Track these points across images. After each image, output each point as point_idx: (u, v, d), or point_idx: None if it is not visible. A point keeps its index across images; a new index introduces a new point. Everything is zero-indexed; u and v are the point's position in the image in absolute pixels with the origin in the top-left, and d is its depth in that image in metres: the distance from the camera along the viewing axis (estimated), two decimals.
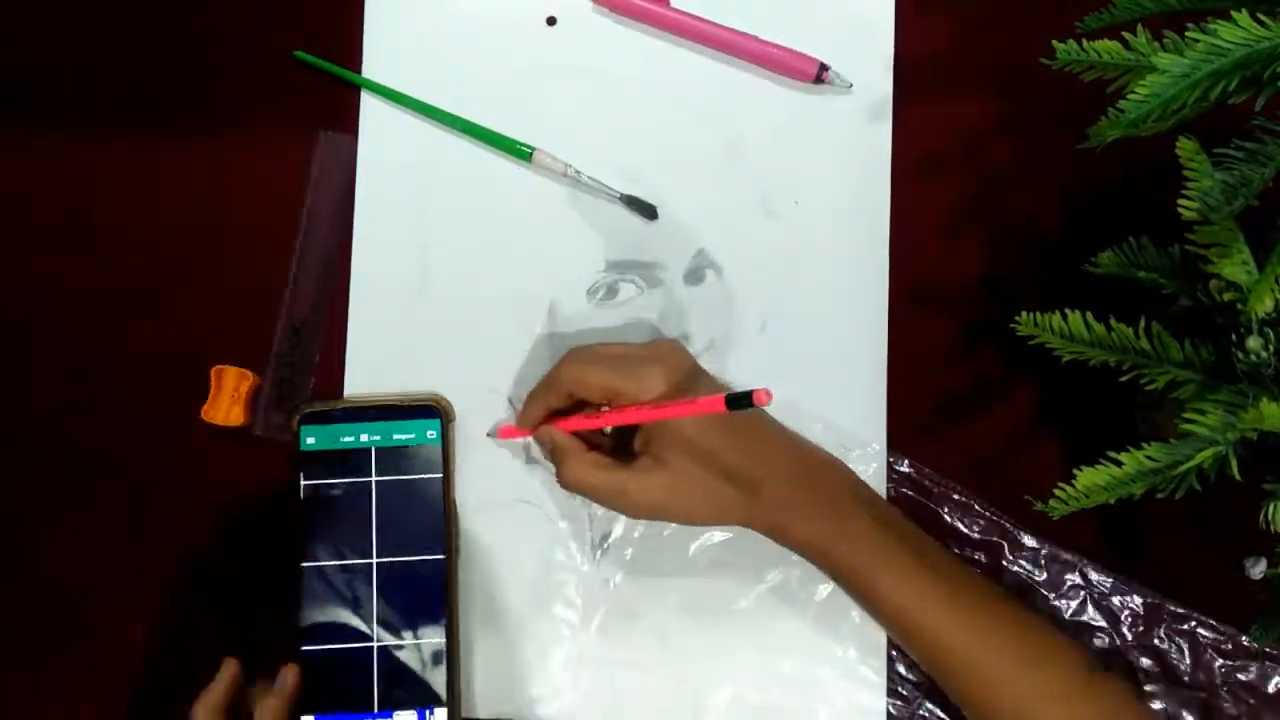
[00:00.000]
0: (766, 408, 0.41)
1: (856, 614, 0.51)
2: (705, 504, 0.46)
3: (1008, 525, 0.51)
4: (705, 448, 0.45)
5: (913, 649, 0.46)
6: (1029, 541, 0.51)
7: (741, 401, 0.41)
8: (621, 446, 0.49)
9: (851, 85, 0.52)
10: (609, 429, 0.50)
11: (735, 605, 0.51)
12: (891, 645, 0.51)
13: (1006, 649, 0.44)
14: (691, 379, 0.46)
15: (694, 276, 0.53)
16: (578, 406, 0.48)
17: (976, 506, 0.51)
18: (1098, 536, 0.52)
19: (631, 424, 0.46)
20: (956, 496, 0.52)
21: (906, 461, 0.52)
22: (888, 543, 0.45)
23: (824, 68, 0.52)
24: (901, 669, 0.51)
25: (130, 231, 0.53)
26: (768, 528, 0.46)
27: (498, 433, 0.52)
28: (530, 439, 0.51)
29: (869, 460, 0.52)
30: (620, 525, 0.52)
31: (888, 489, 0.52)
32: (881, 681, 0.51)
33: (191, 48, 0.55)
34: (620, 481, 0.46)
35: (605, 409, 0.47)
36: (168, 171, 0.54)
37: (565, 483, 0.47)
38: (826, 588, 0.51)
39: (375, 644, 0.49)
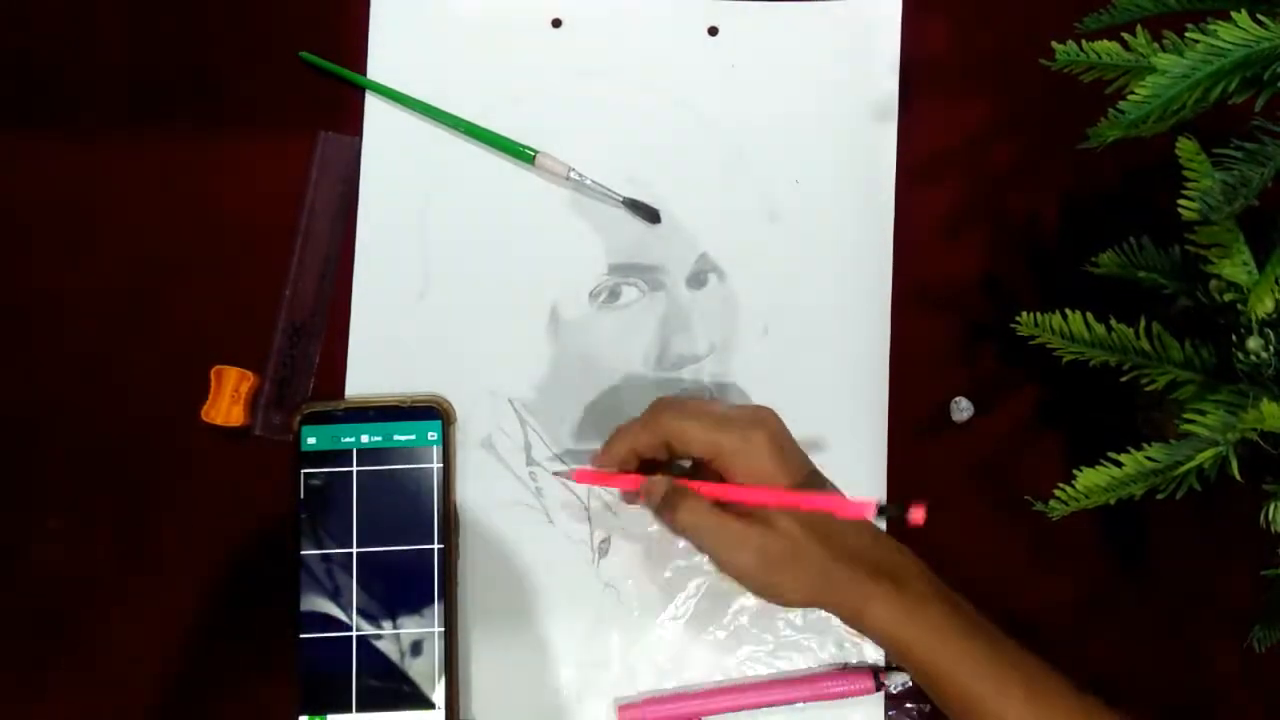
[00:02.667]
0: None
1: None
2: (805, 585, 0.44)
3: None
4: (822, 533, 0.44)
5: None
6: None
7: (892, 513, 0.40)
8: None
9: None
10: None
11: (735, 609, 0.51)
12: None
13: None
14: (790, 447, 0.45)
15: (696, 280, 0.53)
16: (657, 463, 0.47)
17: None
18: (1098, 537, 0.52)
19: (765, 504, 0.44)
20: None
21: None
22: (963, 632, 0.44)
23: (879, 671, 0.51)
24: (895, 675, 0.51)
25: (130, 231, 0.53)
26: (845, 612, 0.45)
27: (573, 476, 0.50)
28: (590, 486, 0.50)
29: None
30: (619, 529, 0.52)
31: None
32: (880, 695, 0.51)
33: (195, 48, 0.55)
34: (739, 533, 0.44)
35: (688, 466, 0.45)
36: (169, 171, 0.54)
37: (680, 525, 0.45)
38: None
39: (373, 644, 0.49)
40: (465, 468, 0.52)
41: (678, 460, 0.48)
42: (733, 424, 0.45)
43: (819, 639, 0.51)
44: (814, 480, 0.46)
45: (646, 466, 0.48)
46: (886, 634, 0.44)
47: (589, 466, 0.50)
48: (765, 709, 0.50)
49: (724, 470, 0.45)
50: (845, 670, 0.51)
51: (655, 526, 0.52)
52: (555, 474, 0.52)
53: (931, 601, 0.44)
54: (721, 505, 0.45)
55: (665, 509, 0.45)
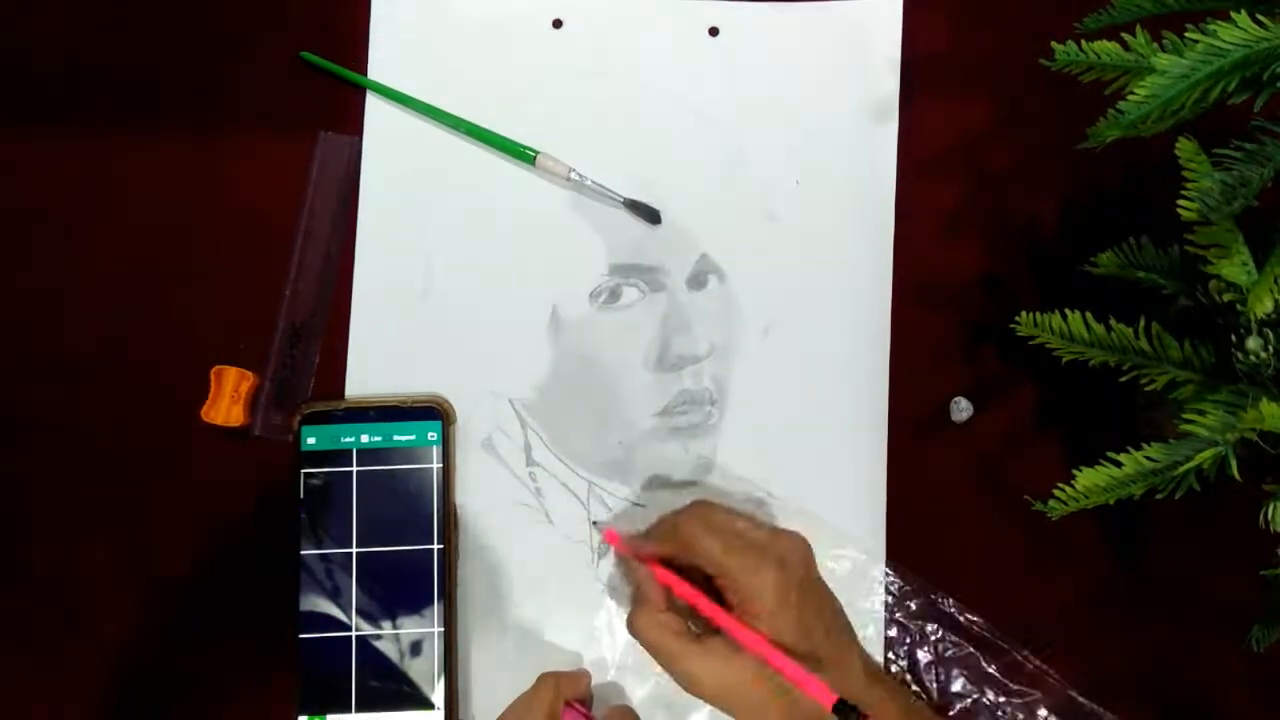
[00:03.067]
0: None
1: (862, 632, 0.50)
2: (765, 710, 0.43)
3: (1052, 680, 0.51)
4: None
5: None
6: None
7: (847, 713, 0.40)
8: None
9: None
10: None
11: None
12: (888, 647, 0.51)
13: None
14: (804, 596, 0.44)
15: (697, 281, 0.53)
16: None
17: (1018, 657, 0.51)
18: (1097, 537, 0.52)
19: (730, 636, 0.43)
20: (1000, 644, 0.51)
21: (950, 600, 0.51)
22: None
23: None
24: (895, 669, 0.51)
25: (130, 231, 0.53)
26: None
27: (605, 535, 0.51)
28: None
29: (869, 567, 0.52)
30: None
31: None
32: None
33: (196, 48, 0.55)
34: (685, 655, 0.43)
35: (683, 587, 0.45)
36: (169, 171, 0.54)
37: (634, 630, 0.45)
38: None
39: (372, 644, 0.49)
40: (465, 468, 0.52)
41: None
42: (749, 552, 0.44)
43: None
44: (820, 641, 0.44)
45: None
46: None
47: (622, 533, 0.49)
48: None
49: (723, 592, 0.45)
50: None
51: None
52: (594, 522, 0.52)
53: (871, 688, 0.44)
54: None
55: (633, 603, 0.46)
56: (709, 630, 0.45)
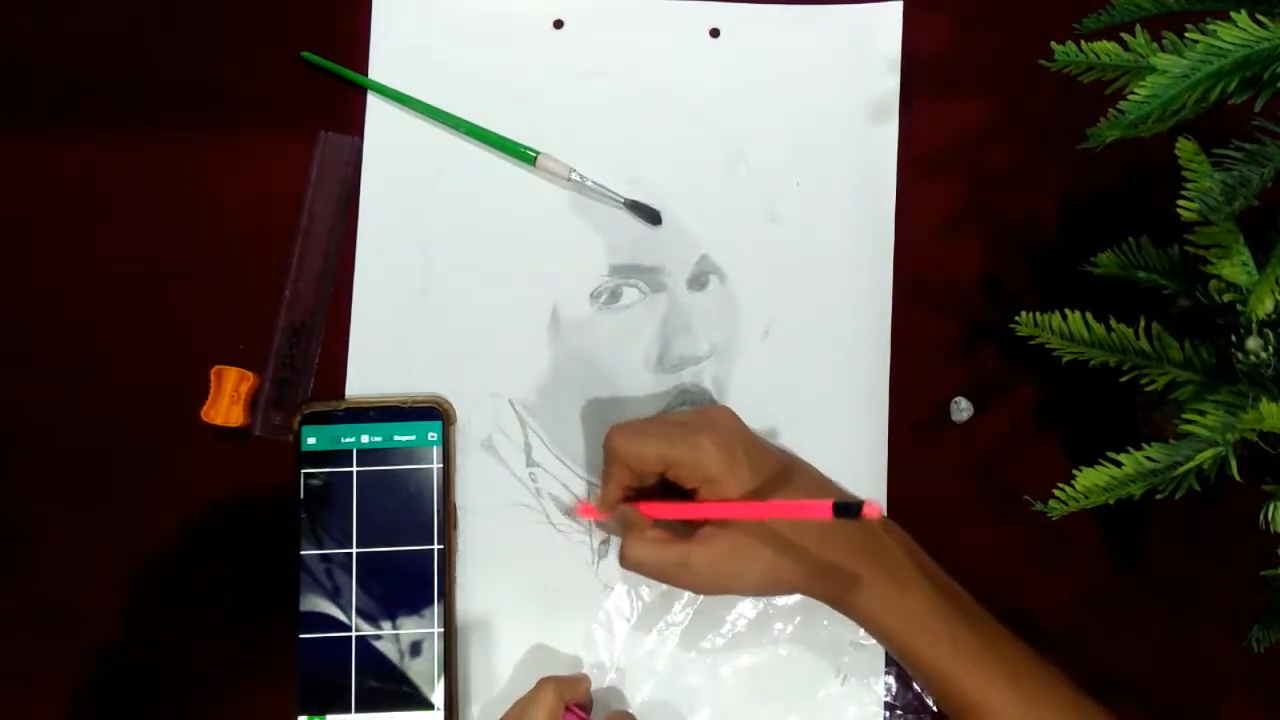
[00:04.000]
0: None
1: (857, 635, 0.51)
2: (769, 574, 0.44)
3: None
4: (797, 523, 0.44)
5: None
6: None
7: (850, 512, 0.39)
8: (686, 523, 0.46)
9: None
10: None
11: (733, 616, 0.51)
12: (889, 663, 0.51)
13: None
14: (743, 443, 0.45)
15: (697, 282, 0.53)
16: (664, 487, 0.46)
17: None
18: (1097, 537, 0.52)
19: (724, 518, 0.44)
20: None
21: None
22: (948, 617, 0.44)
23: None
24: (893, 682, 0.51)
25: (130, 231, 0.53)
26: (830, 599, 0.45)
27: (578, 510, 0.51)
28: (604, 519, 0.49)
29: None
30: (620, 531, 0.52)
31: None
32: (879, 698, 0.51)
33: (197, 48, 0.55)
34: (682, 554, 0.43)
35: (668, 492, 0.45)
36: (169, 171, 0.54)
37: (626, 562, 0.45)
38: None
39: (372, 644, 0.49)
40: (465, 468, 0.52)
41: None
42: (681, 433, 0.45)
43: (812, 652, 0.51)
44: (782, 475, 0.45)
45: (657, 491, 0.47)
46: (870, 620, 0.44)
47: (592, 503, 0.50)
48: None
49: (682, 483, 0.45)
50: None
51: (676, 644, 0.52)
52: (566, 512, 0.52)
53: (916, 586, 0.44)
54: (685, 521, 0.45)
55: (621, 548, 0.45)
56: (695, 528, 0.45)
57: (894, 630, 0.44)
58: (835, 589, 0.44)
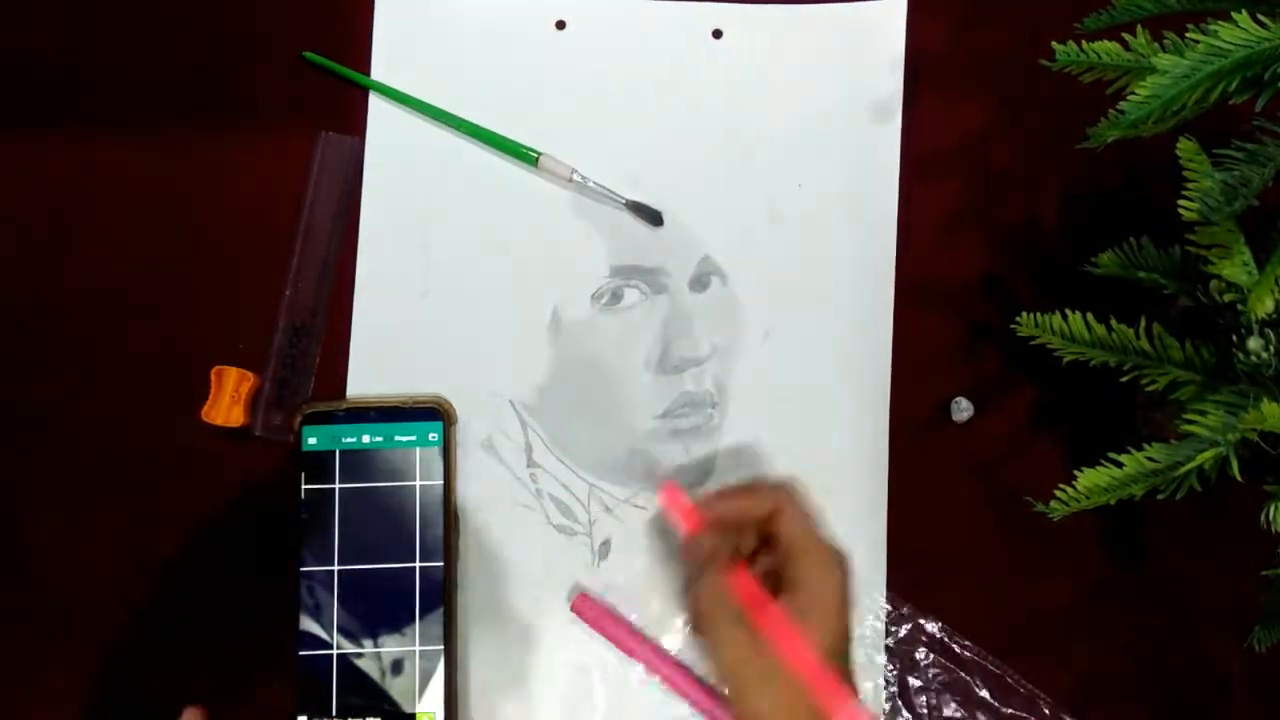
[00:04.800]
0: None
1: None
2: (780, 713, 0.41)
3: (1043, 702, 0.50)
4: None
5: None
6: None
7: None
8: None
9: None
10: None
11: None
12: (890, 665, 0.51)
13: None
14: (847, 606, 0.42)
15: (699, 283, 0.53)
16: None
17: (1009, 680, 0.50)
18: (1098, 538, 0.52)
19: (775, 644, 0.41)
20: (991, 668, 0.50)
21: (938, 624, 0.51)
22: None
23: None
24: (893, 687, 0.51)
25: (130, 231, 0.53)
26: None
27: (664, 489, 0.48)
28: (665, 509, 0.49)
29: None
30: (621, 533, 0.52)
31: (919, 652, 0.51)
32: (879, 701, 0.51)
33: (199, 48, 0.55)
34: (736, 647, 0.41)
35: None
36: (170, 171, 0.54)
37: (698, 598, 0.42)
38: None
39: (372, 648, 0.49)
40: (466, 469, 0.52)
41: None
42: (826, 546, 0.43)
43: None
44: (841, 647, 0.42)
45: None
46: None
47: (682, 493, 0.47)
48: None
49: (784, 581, 0.42)
50: None
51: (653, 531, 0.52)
52: (644, 465, 0.51)
53: None
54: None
55: (696, 574, 0.43)
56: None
57: None
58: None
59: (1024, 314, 0.45)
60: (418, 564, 0.50)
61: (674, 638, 0.51)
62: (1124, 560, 0.52)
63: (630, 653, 0.50)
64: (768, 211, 0.54)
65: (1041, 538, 0.52)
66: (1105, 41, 0.41)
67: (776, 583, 0.43)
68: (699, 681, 0.50)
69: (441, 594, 0.50)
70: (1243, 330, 0.41)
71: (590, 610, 0.50)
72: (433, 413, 0.51)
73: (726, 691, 0.43)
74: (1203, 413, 0.40)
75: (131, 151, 0.54)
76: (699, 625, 0.43)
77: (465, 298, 0.53)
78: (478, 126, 0.53)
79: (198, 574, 0.52)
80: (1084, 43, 0.42)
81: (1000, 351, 0.53)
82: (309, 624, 0.49)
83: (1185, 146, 0.41)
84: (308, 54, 0.54)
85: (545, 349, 0.53)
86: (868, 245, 0.53)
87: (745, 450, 0.52)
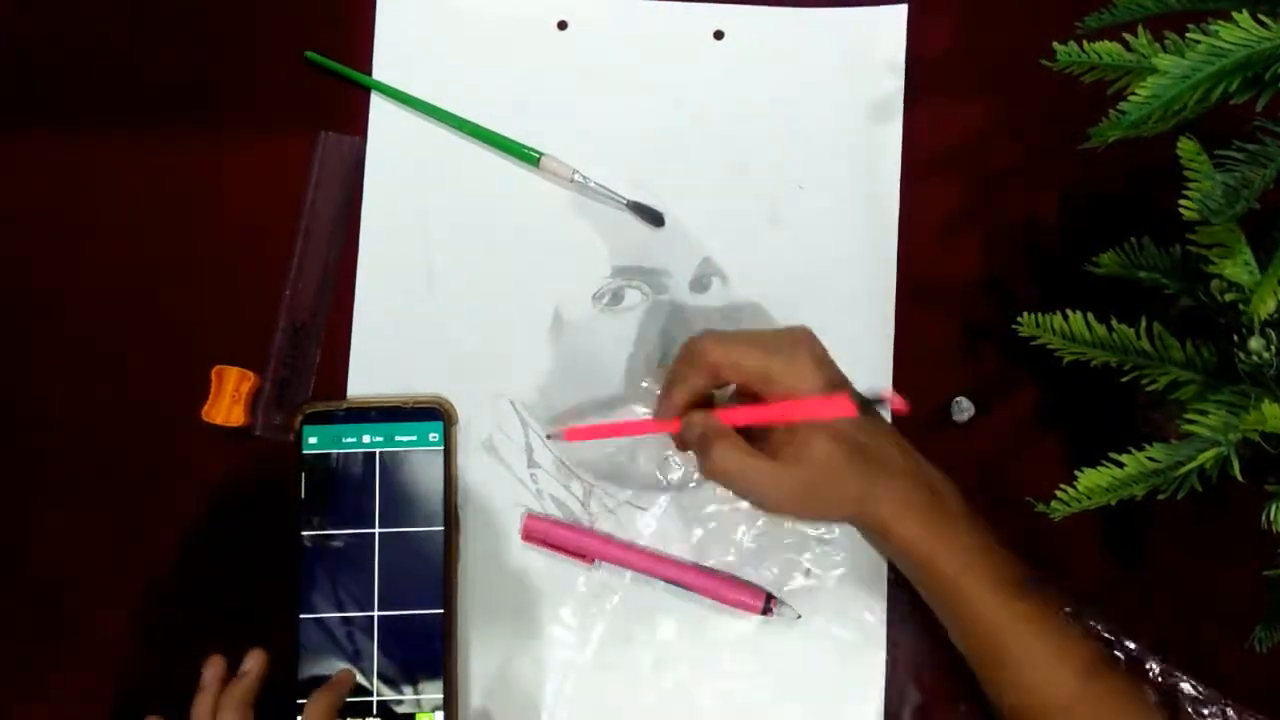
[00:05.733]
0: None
1: (852, 637, 0.51)
2: (837, 503, 0.44)
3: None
4: (847, 446, 0.44)
5: (998, 667, 0.45)
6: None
7: (865, 401, 0.41)
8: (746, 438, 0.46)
9: (799, 616, 0.50)
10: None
11: (734, 621, 0.51)
12: (889, 667, 0.51)
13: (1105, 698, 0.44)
14: (827, 359, 0.45)
15: (699, 284, 0.53)
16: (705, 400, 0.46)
17: None
18: (1099, 538, 0.52)
19: (767, 422, 0.44)
20: None
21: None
22: (986, 553, 0.44)
23: (771, 598, 0.50)
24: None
25: (131, 231, 0.53)
26: (877, 526, 0.45)
27: (564, 435, 0.48)
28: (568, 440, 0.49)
29: None
30: (621, 533, 0.52)
31: None
32: (878, 700, 0.51)
33: (199, 48, 0.55)
34: (770, 472, 0.43)
35: (727, 400, 0.45)
36: (170, 171, 0.54)
37: (716, 471, 0.44)
38: (829, 608, 0.51)
39: (372, 641, 0.49)
40: (466, 469, 0.52)
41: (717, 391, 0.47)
42: (778, 346, 0.44)
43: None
44: (846, 385, 0.45)
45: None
46: (911, 546, 0.44)
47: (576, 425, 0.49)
48: (658, 582, 0.51)
49: (766, 394, 0.44)
50: (742, 584, 0.51)
51: (653, 531, 0.52)
52: (548, 437, 0.52)
53: (961, 519, 0.44)
54: (748, 436, 0.44)
55: (700, 453, 0.44)
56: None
57: (933, 559, 0.44)
58: (885, 517, 0.44)
59: (1025, 314, 0.45)
60: (418, 564, 0.50)
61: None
62: (1124, 560, 0.52)
63: (595, 553, 0.51)
64: (769, 213, 0.54)
65: (1042, 538, 0.52)
66: (1106, 42, 0.41)
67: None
68: (670, 559, 0.51)
69: (442, 594, 0.49)
70: (1244, 330, 0.41)
71: (539, 527, 0.51)
72: (433, 413, 0.51)
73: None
74: (1203, 413, 0.40)
75: (132, 151, 0.54)
76: (731, 489, 0.44)
77: (466, 298, 0.53)
78: (479, 127, 0.53)
79: (197, 573, 0.51)
80: (1085, 43, 0.42)
81: (1001, 351, 0.53)
82: (309, 623, 0.49)
83: (1186, 147, 0.41)
84: (310, 54, 0.54)
85: (546, 349, 0.53)
86: (869, 246, 0.53)
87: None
